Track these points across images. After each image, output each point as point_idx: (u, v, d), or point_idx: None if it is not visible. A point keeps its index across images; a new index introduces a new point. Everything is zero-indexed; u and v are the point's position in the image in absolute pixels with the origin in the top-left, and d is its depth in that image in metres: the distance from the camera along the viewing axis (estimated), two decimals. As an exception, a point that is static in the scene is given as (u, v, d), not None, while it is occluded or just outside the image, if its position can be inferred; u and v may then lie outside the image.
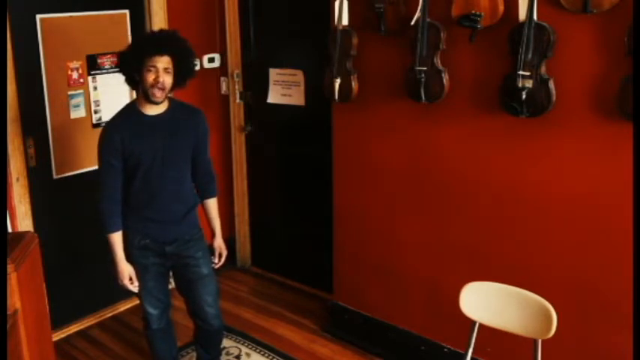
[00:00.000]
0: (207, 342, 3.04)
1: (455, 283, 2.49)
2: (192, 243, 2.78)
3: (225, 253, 2.94)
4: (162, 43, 2.53)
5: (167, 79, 2.52)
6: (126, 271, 2.70)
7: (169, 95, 2.66)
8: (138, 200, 2.66)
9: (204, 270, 2.81)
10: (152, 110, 2.61)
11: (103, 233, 2.66)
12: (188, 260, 2.78)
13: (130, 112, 2.65)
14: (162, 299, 2.84)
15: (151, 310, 2.82)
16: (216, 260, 2.93)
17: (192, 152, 2.74)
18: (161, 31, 2.69)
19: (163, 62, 2.50)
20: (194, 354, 3.22)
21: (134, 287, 2.73)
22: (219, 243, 2.93)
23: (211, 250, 2.92)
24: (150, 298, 2.79)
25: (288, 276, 4.24)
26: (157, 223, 2.69)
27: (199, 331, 2.99)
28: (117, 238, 2.66)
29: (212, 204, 2.91)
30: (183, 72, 2.60)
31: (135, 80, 2.59)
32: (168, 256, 2.75)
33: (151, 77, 2.50)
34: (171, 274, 2.90)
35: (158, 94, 2.53)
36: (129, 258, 2.71)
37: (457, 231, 2.94)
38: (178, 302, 3.04)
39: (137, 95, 2.67)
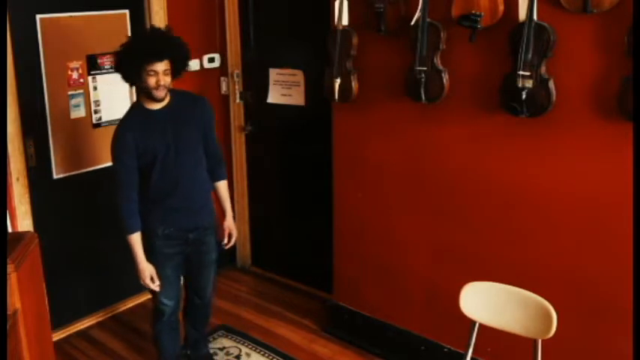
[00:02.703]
0: (197, 316, 3.13)
1: (455, 283, 2.49)
2: (210, 231, 2.91)
3: (235, 233, 3.04)
4: (160, 49, 2.59)
5: (167, 79, 2.61)
6: (147, 270, 2.74)
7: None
8: (159, 191, 2.72)
9: (213, 255, 2.97)
10: (157, 105, 2.68)
11: (123, 234, 2.72)
12: (202, 247, 2.90)
13: (136, 110, 2.73)
14: (178, 290, 2.92)
15: (167, 301, 2.87)
16: (226, 240, 3.01)
17: (202, 138, 2.82)
18: (157, 32, 2.72)
19: (163, 66, 2.57)
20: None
21: (155, 286, 2.77)
22: (229, 223, 3.01)
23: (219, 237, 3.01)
24: (168, 287, 2.83)
25: (288, 276, 4.24)
26: (180, 211, 2.76)
27: (192, 307, 3.09)
28: (137, 239, 2.72)
29: (223, 186, 2.99)
30: (179, 68, 2.70)
31: (133, 80, 2.66)
32: (190, 242, 2.84)
33: (152, 81, 2.57)
34: None
35: (160, 93, 2.61)
36: (150, 249, 2.76)
37: (457, 231, 2.94)
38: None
39: (138, 93, 2.75)
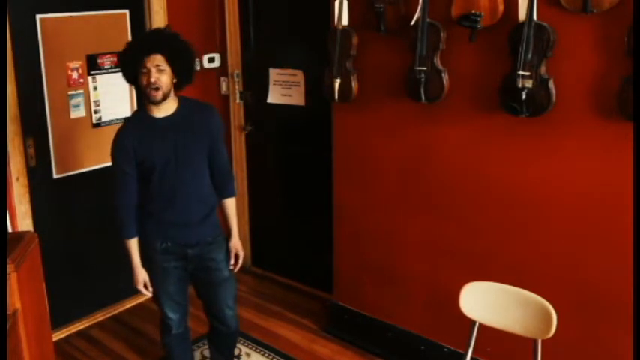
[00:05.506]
0: (223, 343, 3.00)
1: (455, 283, 2.49)
2: (215, 245, 2.71)
3: (242, 254, 2.84)
4: (150, 42, 2.49)
5: (161, 78, 2.45)
6: (141, 276, 2.66)
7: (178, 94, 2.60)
8: (155, 204, 2.61)
9: (226, 272, 2.77)
10: (161, 112, 2.55)
11: (120, 238, 2.65)
12: (210, 263, 2.71)
13: (139, 117, 2.63)
14: (182, 303, 2.79)
15: (172, 315, 2.76)
16: (232, 261, 2.81)
17: (207, 151, 2.66)
18: (153, 30, 2.64)
19: (155, 61, 2.44)
20: (198, 352, 3.23)
21: (148, 292, 2.70)
22: (235, 243, 2.82)
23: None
24: (170, 302, 2.74)
25: (288, 276, 4.24)
26: (177, 226, 2.63)
27: (215, 333, 2.94)
28: (133, 244, 2.64)
29: (230, 203, 2.82)
30: (181, 69, 2.52)
31: (131, 82, 2.57)
32: (190, 258, 2.68)
33: (144, 79, 2.45)
34: None
35: (155, 94, 2.47)
36: (149, 262, 2.67)
37: (457, 231, 2.94)
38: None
39: (142, 99, 2.63)
